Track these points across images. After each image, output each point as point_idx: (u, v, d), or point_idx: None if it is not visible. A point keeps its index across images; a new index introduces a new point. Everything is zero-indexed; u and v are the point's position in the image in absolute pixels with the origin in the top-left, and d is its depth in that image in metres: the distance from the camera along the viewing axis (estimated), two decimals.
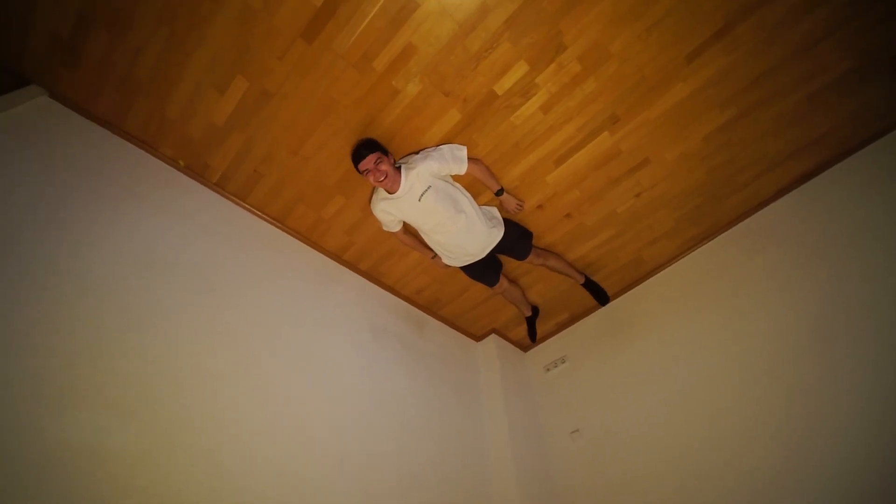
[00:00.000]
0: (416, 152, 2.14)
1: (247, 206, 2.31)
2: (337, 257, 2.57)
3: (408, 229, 2.33)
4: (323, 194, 2.30)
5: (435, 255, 2.40)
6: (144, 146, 2.08)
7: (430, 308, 2.90)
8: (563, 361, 2.90)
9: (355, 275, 2.62)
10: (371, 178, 1.98)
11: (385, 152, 2.01)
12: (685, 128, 2.11)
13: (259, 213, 2.34)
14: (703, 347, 2.30)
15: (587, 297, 2.79)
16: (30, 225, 1.56)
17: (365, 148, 1.97)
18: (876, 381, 1.73)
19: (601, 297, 2.73)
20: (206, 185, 2.22)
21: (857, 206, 2.08)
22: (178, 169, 2.16)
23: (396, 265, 2.65)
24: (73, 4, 1.69)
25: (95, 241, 1.69)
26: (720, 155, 2.22)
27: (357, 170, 2.01)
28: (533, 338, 2.96)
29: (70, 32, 1.77)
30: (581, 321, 2.97)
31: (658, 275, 2.71)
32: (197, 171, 2.20)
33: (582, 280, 2.68)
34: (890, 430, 1.64)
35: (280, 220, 2.39)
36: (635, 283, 2.78)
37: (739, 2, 1.73)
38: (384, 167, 1.96)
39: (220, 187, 2.25)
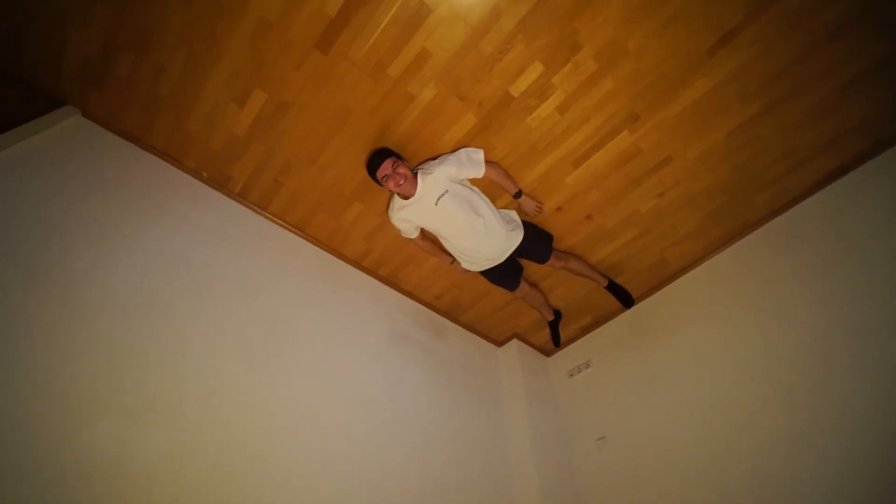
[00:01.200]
0: (433, 158, 2.14)
1: (268, 215, 2.35)
2: (356, 264, 2.58)
3: (426, 235, 2.33)
4: (341, 201, 2.32)
5: (454, 261, 2.39)
6: (169, 160, 2.15)
7: (450, 313, 2.89)
8: (588, 366, 2.84)
9: (375, 281, 2.63)
10: (391, 184, 1.99)
11: (400, 158, 2.02)
12: (707, 124, 2.04)
13: (280, 222, 2.38)
14: (733, 351, 2.21)
15: (611, 301, 2.73)
16: (62, 237, 1.63)
17: (379, 156, 1.99)
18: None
19: (626, 300, 2.67)
20: (228, 195, 2.27)
21: (893, 202, 1.97)
22: (202, 181, 2.22)
23: (416, 270, 2.65)
24: (100, 28, 1.77)
25: (124, 253, 1.74)
26: (745, 151, 2.14)
27: (375, 179, 2.02)
28: (556, 342, 2.91)
29: (98, 55, 1.84)
30: (605, 325, 2.90)
31: (684, 276, 2.63)
32: (219, 183, 2.25)
33: (605, 283, 2.62)
34: None
35: (300, 228, 2.43)
36: (661, 286, 2.70)
37: None
38: (402, 170, 1.97)
39: (242, 197, 2.30)
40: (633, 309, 2.76)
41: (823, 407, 1.81)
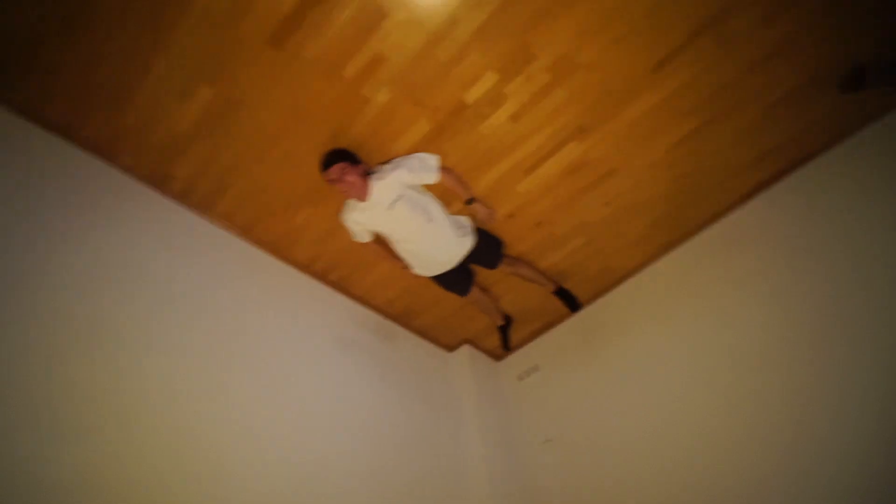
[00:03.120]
0: (388, 162, 2.12)
1: (211, 217, 2.23)
2: (305, 268, 2.51)
3: (379, 239, 2.30)
4: (291, 205, 2.25)
5: (406, 265, 2.37)
6: (103, 155, 1.99)
7: (401, 319, 2.86)
8: (536, 370, 2.91)
9: (324, 286, 2.56)
10: (338, 188, 1.96)
11: (354, 161, 1.99)
12: (652, 137, 2.16)
13: (224, 224, 2.27)
14: (675, 353, 2.33)
15: (559, 305, 2.81)
16: None
17: (332, 157, 1.95)
18: (848, 381, 1.78)
19: (573, 305, 2.76)
20: (168, 195, 2.14)
21: (812, 211, 2.18)
22: (138, 178, 2.07)
23: (367, 276, 2.61)
24: (25, 4, 1.61)
25: (48, 255, 1.60)
26: (685, 163, 2.28)
27: (324, 179, 1.98)
28: (506, 347, 2.96)
29: (24, 34, 1.68)
30: (554, 329, 2.99)
31: (629, 281, 2.76)
32: (157, 181, 2.11)
33: (553, 288, 2.70)
34: (866, 428, 1.68)
35: (246, 232, 2.32)
36: (607, 290, 2.82)
37: (701, 15, 1.79)
38: (350, 177, 1.94)
39: (182, 197, 2.17)
40: (580, 314, 2.86)
41: (763, 405, 1.94)
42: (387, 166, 2.06)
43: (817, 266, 2.05)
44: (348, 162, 1.96)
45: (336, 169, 1.94)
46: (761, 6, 1.77)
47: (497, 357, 3.17)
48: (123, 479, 1.37)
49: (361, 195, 2.01)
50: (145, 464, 1.42)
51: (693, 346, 2.29)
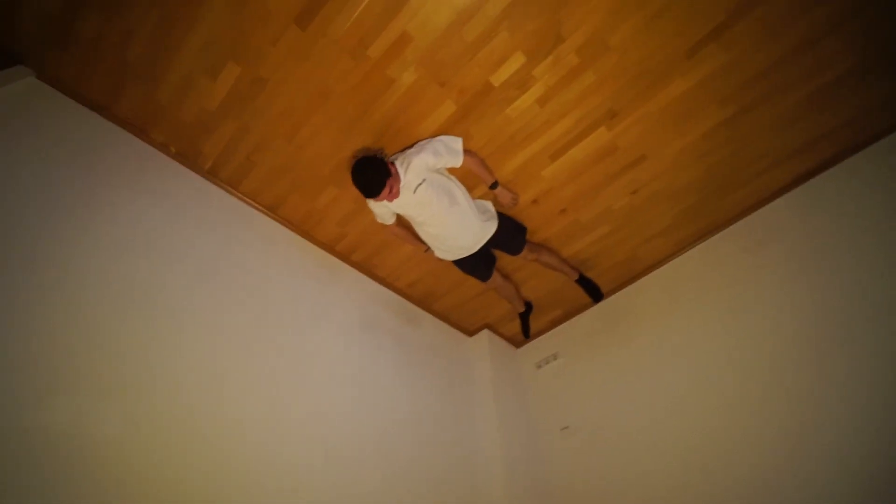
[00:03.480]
0: (411, 146, 2.11)
1: (239, 194, 2.29)
2: (329, 248, 2.54)
3: (401, 221, 2.31)
4: (316, 184, 2.28)
5: (428, 249, 2.38)
6: (136, 131, 2.05)
7: (422, 302, 2.88)
8: (555, 358, 2.89)
9: (347, 266, 2.60)
10: (380, 198, 1.94)
11: (388, 173, 1.90)
12: (684, 124, 2.08)
13: (251, 202, 2.32)
14: (698, 346, 2.28)
15: (581, 294, 2.77)
16: (11, 208, 1.54)
17: (377, 186, 1.88)
18: (872, 381, 1.72)
19: (595, 295, 2.72)
20: (198, 172, 2.20)
21: (857, 207, 2.06)
22: (170, 155, 2.13)
23: (389, 258, 2.63)
24: None
25: (82, 226, 1.67)
26: (719, 152, 2.19)
27: (362, 191, 1.95)
28: (526, 334, 2.95)
29: (61, 12, 1.73)
30: (574, 318, 2.96)
31: (654, 272, 2.69)
32: (189, 158, 2.17)
33: (576, 276, 2.66)
34: (890, 428, 1.63)
35: (272, 210, 2.37)
36: (630, 281, 2.76)
37: None
38: (396, 189, 1.92)
39: (212, 175, 2.22)
40: (603, 303, 2.81)
41: (787, 399, 1.89)
42: (411, 150, 2.05)
43: (851, 266, 1.95)
44: (388, 177, 1.89)
45: (385, 192, 1.89)
46: None
47: (517, 343, 3.17)
48: (150, 442, 1.44)
49: (399, 193, 1.98)
50: (153, 433, 1.46)
51: (718, 339, 2.23)
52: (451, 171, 2.16)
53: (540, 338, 3.08)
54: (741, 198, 2.38)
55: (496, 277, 2.52)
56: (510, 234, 2.34)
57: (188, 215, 2.03)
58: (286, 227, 2.41)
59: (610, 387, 2.53)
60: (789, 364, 1.95)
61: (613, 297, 2.81)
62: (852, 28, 1.79)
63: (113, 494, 1.30)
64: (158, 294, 1.72)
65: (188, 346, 1.69)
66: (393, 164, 1.98)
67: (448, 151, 2.02)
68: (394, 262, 2.65)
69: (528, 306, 2.89)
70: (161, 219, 1.91)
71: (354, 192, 2.28)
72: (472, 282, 2.67)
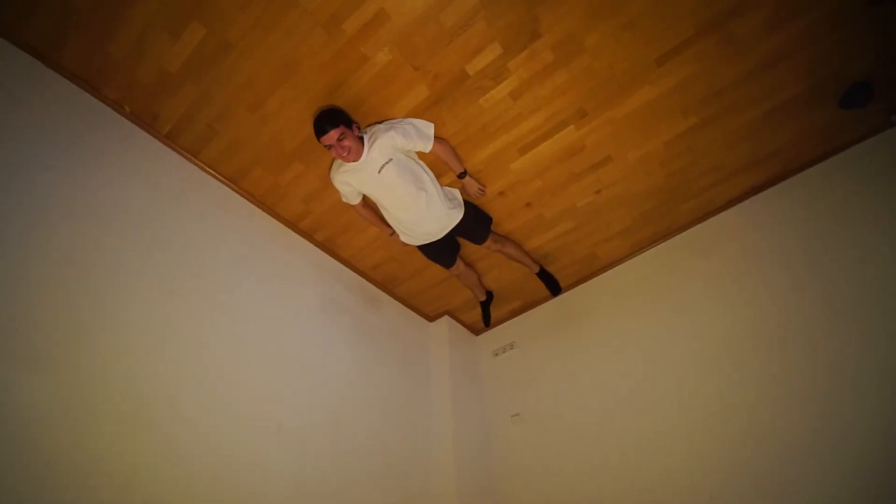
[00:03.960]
0: (381, 122, 2.08)
1: (198, 162, 2.19)
2: (292, 225, 2.49)
3: (367, 203, 2.28)
4: (281, 159, 2.21)
5: (393, 232, 2.37)
6: (85, 85, 1.92)
7: (385, 285, 2.88)
8: (512, 347, 2.97)
9: (310, 245, 2.56)
10: (333, 153, 1.92)
11: (349, 124, 1.94)
12: (649, 130, 2.15)
13: (211, 172, 2.23)
14: (647, 343, 2.40)
15: (541, 287, 2.84)
16: None
17: (328, 122, 1.87)
18: (808, 370, 1.87)
19: (554, 288, 2.79)
20: (155, 136, 2.09)
21: (801, 221, 2.20)
22: (124, 115, 2.01)
23: (354, 239, 2.60)
24: None
25: (18, 187, 1.55)
26: (679, 160, 2.28)
27: (318, 140, 1.94)
28: (487, 322, 3.00)
29: None
30: (533, 310, 3.04)
31: (611, 271, 2.79)
32: (145, 120, 2.06)
33: (537, 269, 2.72)
34: (818, 415, 1.78)
35: (234, 181, 2.29)
36: (588, 278, 2.86)
37: (711, 11, 1.76)
38: (347, 142, 1.89)
39: (170, 140, 2.12)
40: (561, 297, 2.90)
41: (726, 393, 2.02)
42: (380, 126, 2.02)
43: (794, 275, 2.09)
44: (344, 126, 1.91)
45: (333, 135, 1.87)
46: (769, 9, 1.75)
47: (476, 331, 3.22)
48: (86, 417, 1.39)
49: (354, 158, 1.97)
50: (91, 407, 1.41)
51: (666, 337, 2.35)
52: (421, 156, 2.15)
53: (499, 327, 3.14)
54: (696, 206, 2.49)
55: (459, 265, 2.55)
56: (476, 223, 2.36)
57: (142, 180, 1.92)
58: (248, 199, 2.34)
59: (562, 377, 2.63)
60: (731, 358, 2.09)
61: (571, 291, 2.90)
62: (802, 58, 1.90)
63: (48, 473, 1.25)
64: (104, 264, 1.63)
65: (134, 321, 1.61)
66: (361, 133, 1.97)
67: (418, 135, 2.01)
68: (358, 244, 2.63)
69: (490, 295, 2.94)
70: (112, 182, 1.81)
71: (321, 169, 2.24)
72: (436, 268, 2.69)
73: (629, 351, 2.45)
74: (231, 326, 1.91)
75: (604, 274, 2.81)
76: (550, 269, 2.79)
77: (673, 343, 2.31)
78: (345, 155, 1.92)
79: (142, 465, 1.43)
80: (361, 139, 1.99)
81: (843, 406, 1.75)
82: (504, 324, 3.13)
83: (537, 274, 2.74)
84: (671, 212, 2.52)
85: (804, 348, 1.92)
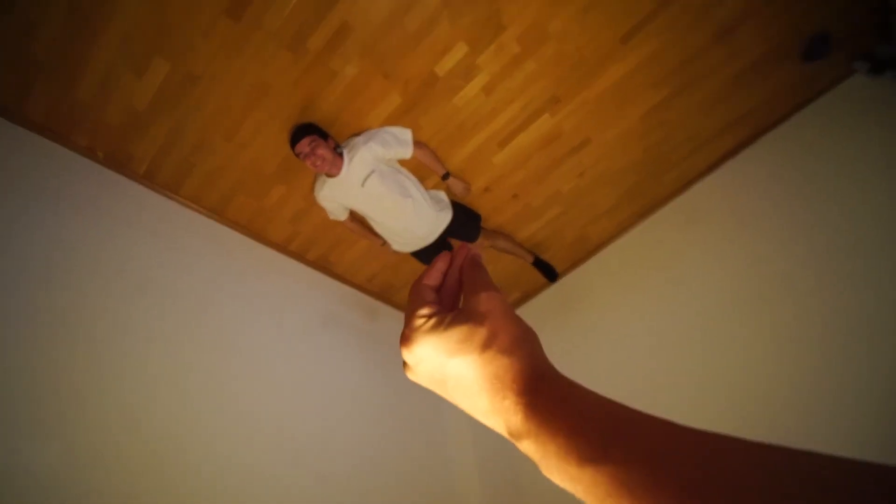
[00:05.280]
0: (358, 134, 2.08)
1: (179, 198, 2.17)
2: (282, 248, 2.47)
3: (355, 217, 2.28)
4: (263, 183, 2.20)
5: (384, 242, 2.36)
6: (53, 136, 1.89)
7: (382, 295, 2.87)
8: None
9: (302, 265, 2.54)
10: (308, 163, 1.92)
11: (323, 136, 1.94)
12: (622, 108, 2.17)
13: (194, 206, 2.20)
14: (646, 317, 2.42)
15: (537, 276, 2.86)
16: None
17: (300, 131, 1.90)
18: (793, 337, 1.91)
19: (550, 275, 2.81)
20: (132, 177, 2.06)
21: (776, 179, 2.24)
22: (98, 161, 1.98)
23: (346, 253, 2.59)
24: None
25: (15, 242, 1.52)
26: (656, 134, 2.31)
27: (294, 154, 1.94)
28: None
29: None
30: (533, 299, 3.05)
31: (604, 250, 2.82)
32: (120, 163, 2.03)
33: (531, 259, 2.74)
34: (802, 378, 1.82)
35: (218, 213, 2.27)
36: (583, 260, 2.88)
37: None
38: (321, 151, 1.89)
39: (148, 179, 2.09)
40: (558, 283, 2.92)
41: (725, 365, 2.04)
42: (358, 139, 2.02)
43: (780, 231, 2.13)
44: (317, 136, 1.92)
45: (305, 143, 1.89)
46: None
47: None
48: (103, 464, 1.37)
49: (333, 170, 1.97)
50: (120, 450, 1.42)
51: (663, 312, 2.37)
52: (402, 162, 2.15)
53: None
54: (676, 176, 2.52)
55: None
56: (465, 222, 2.37)
57: (125, 224, 1.90)
58: (234, 229, 2.32)
59: (570, 361, 2.62)
60: (726, 329, 2.11)
61: (568, 276, 2.92)
62: (764, 17, 1.93)
63: None
64: (95, 313, 1.61)
65: (131, 362, 1.59)
66: (339, 148, 1.98)
67: (397, 142, 2.01)
68: (351, 258, 2.62)
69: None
70: (98, 229, 1.78)
71: (305, 188, 2.23)
72: None
73: (633, 326, 2.47)
74: (236, 359, 1.89)
75: (597, 254, 2.84)
76: (544, 256, 2.81)
77: (674, 312, 2.33)
78: (320, 164, 1.92)
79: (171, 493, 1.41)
80: (340, 154, 1.98)
81: (839, 349, 1.78)
82: None
83: (532, 263, 2.76)
84: (654, 185, 2.55)
85: (801, 299, 1.95)
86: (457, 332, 0.31)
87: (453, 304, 0.38)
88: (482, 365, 0.30)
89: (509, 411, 0.29)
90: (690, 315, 2.27)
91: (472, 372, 0.31)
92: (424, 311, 0.34)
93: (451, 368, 0.31)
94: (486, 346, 0.30)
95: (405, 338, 0.34)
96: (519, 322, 0.33)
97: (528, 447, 0.29)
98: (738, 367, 2.02)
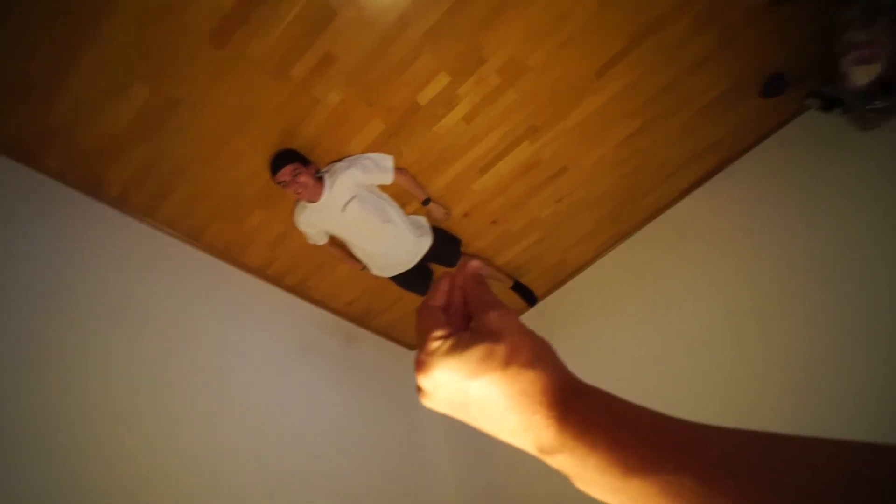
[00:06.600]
0: (340, 160, 2.09)
1: (154, 223, 2.11)
2: (260, 273, 2.43)
3: (335, 241, 2.26)
4: (242, 208, 2.17)
5: (364, 267, 2.35)
6: (22, 158, 1.83)
7: (362, 320, 2.84)
8: None
9: (281, 291, 2.49)
10: (290, 191, 1.92)
11: (305, 162, 1.95)
12: (599, 136, 2.25)
13: (169, 231, 2.15)
14: (627, 339, 2.44)
15: (517, 300, 2.88)
16: None
17: (282, 158, 1.90)
18: (792, 337, 1.94)
19: (530, 299, 2.84)
20: (104, 200, 2.00)
21: (744, 204, 2.35)
22: (67, 183, 1.92)
23: (325, 278, 2.56)
24: None
25: None
26: (631, 161, 2.39)
27: (275, 182, 1.93)
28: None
29: None
30: None
31: (582, 274, 2.87)
32: (92, 185, 1.97)
33: (511, 283, 2.76)
34: (785, 395, 1.86)
35: (195, 238, 2.22)
36: (562, 283, 2.92)
37: (641, 22, 1.88)
38: (303, 178, 1.90)
39: (121, 203, 2.04)
40: (538, 307, 2.94)
41: (711, 386, 2.06)
42: (339, 164, 2.03)
43: (747, 251, 2.22)
44: (299, 163, 1.92)
45: (287, 171, 1.89)
46: (689, 18, 1.89)
47: None
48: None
49: (314, 196, 1.97)
50: (101, 474, 1.34)
51: (644, 330, 2.41)
52: (383, 188, 2.17)
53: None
54: (652, 201, 2.61)
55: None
56: (445, 247, 2.38)
57: (94, 248, 1.83)
58: (211, 254, 2.27)
59: None
60: (710, 347, 2.15)
61: (547, 299, 2.95)
62: (727, 57, 2.06)
63: None
64: (65, 338, 1.54)
65: (102, 393, 1.52)
66: (320, 174, 2.00)
67: (378, 168, 2.02)
68: (330, 283, 2.59)
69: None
70: (66, 253, 1.71)
71: (284, 213, 2.21)
72: (412, 296, 2.68)
73: (613, 346, 2.49)
74: (211, 388, 1.83)
75: (576, 277, 2.88)
76: (524, 280, 2.84)
77: (653, 335, 2.37)
78: (301, 192, 1.92)
79: None
80: (321, 179, 1.99)
81: (819, 352, 1.83)
82: None
83: (512, 287, 2.78)
84: (630, 210, 2.63)
85: (784, 308, 2.00)
86: (476, 352, 0.30)
87: (463, 325, 0.36)
88: (507, 383, 0.29)
89: (539, 427, 0.29)
90: (670, 334, 2.30)
91: (497, 391, 0.30)
92: (439, 332, 0.33)
93: (475, 390, 0.30)
94: (508, 362, 0.29)
95: (421, 363, 0.32)
96: (535, 335, 0.32)
97: (561, 461, 0.28)
98: (721, 391, 2.04)
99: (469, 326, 0.35)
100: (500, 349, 0.30)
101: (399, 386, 2.76)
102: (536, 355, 0.30)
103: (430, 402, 0.34)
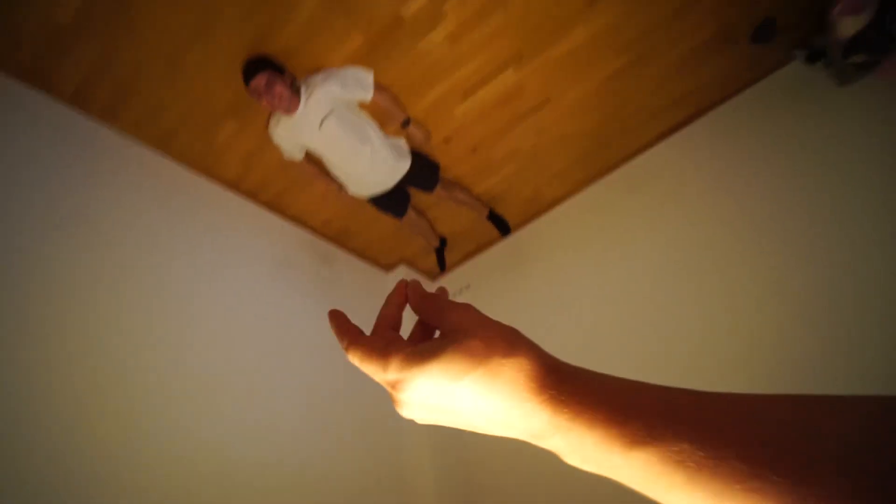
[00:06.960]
0: (317, 72, 1.98)
1: (115, 128, 2.01)
2: (233, 187, 2.39)
3: (312, 158, 2.22)
4: (212, 118, 2.08)
5: (341, 187, 2.33)
6: None
7: (338, 240, 2.87)
8: (468, 288, 3.10)
9: (255, 206, 2.47)
10: (264, 102, 1.82)
11: (280, 70, 1.84)
12: (584, 71, 2.19)
13: (134, 136, 2.06)
14: (594, 276, 2.57)
15: (491, 229, 2.94)
16: None
17: (255, 66, 1.79)
18: (745, 285, 2.06)
19: (503, 229, 2.90)
20: (58, 99, 1.88)
21: (716, 154, 2.38)
22: (13, 75, 1.78)
23: (301, 196, 2.54)
24: None
25: None
26: (612, 102, 2.35)
27: (248, 91, 1.83)
28: (442, 267, 3.10)
29: None
30: (485, 252, 3.16)
31: (554, 210, 2.92)
32: (42, 79, 1.83)
33: (486, 212, 2.80)
34: (734, 329, 2.02)
35: (162, 146, 2.13)
36: (535, 217, 2.98)
37: None
38: (278, 88, 1.80)
39: (78, 104, 1.92)
40: (510, 238, 3.02)
41: (670, 324, 2.20)
42: (316, 77, 1.92)
43: (716, 200, 2.30)
44: (274, 71, 1.81)
45: (261, 79, 1.78)
46: None
47: (432, 276, 3.33)
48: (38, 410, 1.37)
49: (290, 108, 1.89)
50: (72, 395, 1.41)
51: (608, 269, 2.53)
52: (362, 107, 2.09)
53: (454, 271, 3.26)
54: (628, 144, 2.61)
55: (411, 214, 2.57)
56: (424, 171, 2.37)
57: (47, 149, 1.73)
58: (180, 164, 2.20)
59: (515, 314, 2.81)
60: (667, 288, 2.28)
61: (520, 232, 3.02)
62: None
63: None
64: (26, 255, 1.48)
65: (65, 305, 1.51)
66: (297, 84, 1.90)
67: (357, 84, 1.94)
68: (306, 200, 2.58)
69: (443, 242, 3.01)
70: (18, 160, 1.63)
71: (258, 125, 2.13)
72: (388, 218, 2.70)
73: (576, 285, 2.62)
74: (181, 302, 1.84)
75: (548, 213, 2.94)
76: (499, 210, 2.88)
77: (614, 274, 2.49)
78: (277, 103, 1.83)
79: (101, 462, 1.44)
80: (297, 91, 1.90)
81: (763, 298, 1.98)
82: (459, 267, 3.24)
83: (487, 217, 2.83)
84: (605, 152, 2.63)
85: (741, 260, 2.10)
86: (452, 353, 0.29)
87: (423, 337, 0.36)
88: (492, 376, 0.28)
89: (533, 413, 0.28)
90: (634, 275, 2.42)
91: (484, 387, 0.29)
92: (402, 346, 0.32)
93: (462, 391, 0.29)
94: (488, 356, 0.29)
95: (398, 382, 0.30)
96: (502, 324, 0.32)
97: (558, 443, 0.28)
98: (670, 325, 2.20)
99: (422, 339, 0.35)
100: (476, 344, 0.29)
101: (373, 305, 2.84)
102: (511, 344, 0.30)
103: (410, 413, 0.33)
